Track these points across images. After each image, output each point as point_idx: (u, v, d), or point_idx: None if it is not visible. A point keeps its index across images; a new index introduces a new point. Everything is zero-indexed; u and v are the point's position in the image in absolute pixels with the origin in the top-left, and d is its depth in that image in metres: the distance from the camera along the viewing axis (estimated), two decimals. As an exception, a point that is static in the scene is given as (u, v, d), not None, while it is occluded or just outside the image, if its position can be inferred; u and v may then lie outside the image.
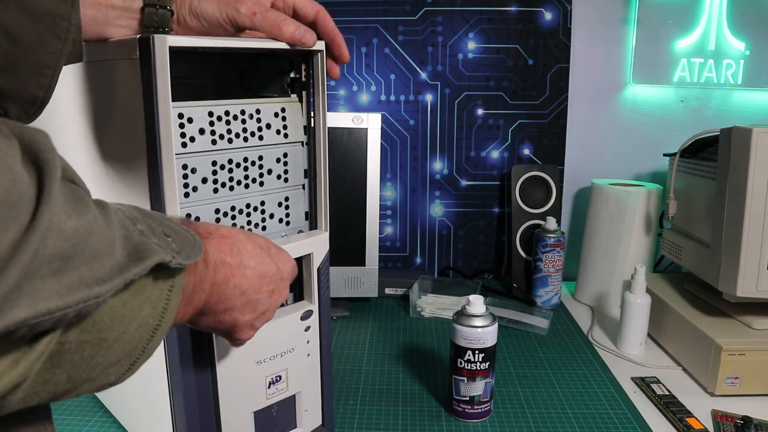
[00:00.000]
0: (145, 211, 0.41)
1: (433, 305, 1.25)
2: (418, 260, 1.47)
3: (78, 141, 0.68)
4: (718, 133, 0.99)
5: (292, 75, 0.72)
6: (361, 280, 1.24)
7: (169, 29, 0.60)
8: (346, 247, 1.22)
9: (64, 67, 0.41)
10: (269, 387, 0.71)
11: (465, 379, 0.86)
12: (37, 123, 0.41)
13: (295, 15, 0.66)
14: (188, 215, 0.63)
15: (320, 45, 0.66)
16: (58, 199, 0.31)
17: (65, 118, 0.70)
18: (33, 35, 0.38)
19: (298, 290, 0.74)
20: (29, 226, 0.29)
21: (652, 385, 0.97)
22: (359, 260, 1.23)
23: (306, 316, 0.72)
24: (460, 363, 0.86)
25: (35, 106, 0.42)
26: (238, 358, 0.67)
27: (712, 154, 1.03)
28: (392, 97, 1.39)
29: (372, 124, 1.20)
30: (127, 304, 0.38)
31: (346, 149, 1.20)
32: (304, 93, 0.71)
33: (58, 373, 0.36)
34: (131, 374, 0.41)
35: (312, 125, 0.71)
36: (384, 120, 1.39)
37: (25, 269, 0.29)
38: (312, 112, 0.70)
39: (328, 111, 1.32)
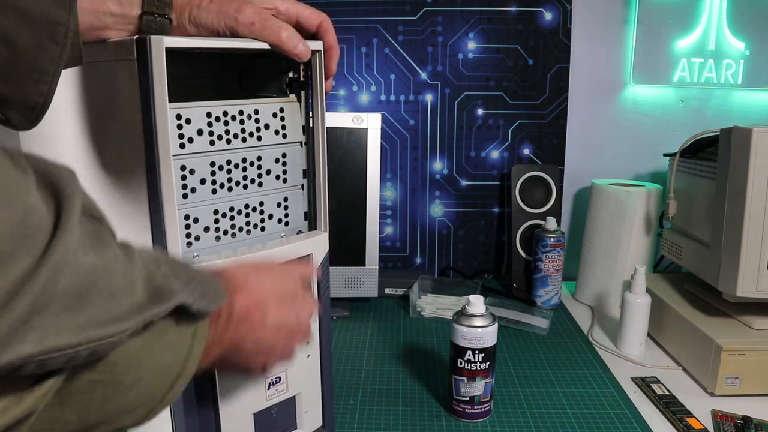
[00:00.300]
0: (172, 257, 0.41)
1: (433, 305, 1.25)
2: (418, 260, 1.46)
3: (75, 144, 0.68)
4: (718, 133, 0.99)
5: (290, 75, 0.71)
6: (361, 280, 1.24)
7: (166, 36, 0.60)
8: (346, 247, 1.22)
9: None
10: (269, 388, 0.70)
11: (465, 379, 0.86)
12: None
13: (298, 24, 0.65)
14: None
15: (318, 45, 0.66)
16: (75, 234, 0.31)
17: (62, 121, 0.69)
18: (32, 42, 0.38)
19: None
20: (40, 260, 0.29)
21: (652, 385, 0.96)
22: (359, 260, 1.23)
23: None
24: (460, 363, 0.85)
25: (35, 112, 0.42)
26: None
27: (712, 154, 1.02)
28: (392, 97, 1.38)
29: (372, 124, 1.20)
30: (145, 347, 0.37)
31: (346, 149, 1.20)
32: (302, 93, 0.70)
33: (67, 412, 0.35)
34: (148, 421, 0.40)
35: (311, 125, 0.70)
36: (384, 120, 1.38)
37: (34, 303, 0.28)
38: (311, 113, 0.70)
39: (328, 111, 1.33)
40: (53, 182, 0.31)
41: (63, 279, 0.30)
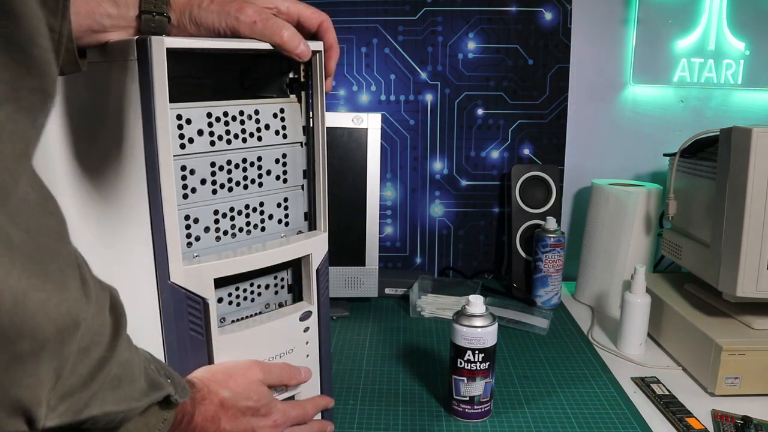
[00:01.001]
0: (151, 355, 0.52)
1: (433, 305, 1.24)
2: (418, 260, 1.46)
3: (64, 143, 0.68)
4: (718, 133, 0.98)
5: (290, 75, 0.71)
6: (361, 280, 1.23)
7: (166, 35, 0.60)
8: (346, 247, 1.22)
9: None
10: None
11: (465, 379, 0.85)
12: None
13: (299, 24, 0.65)
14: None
15: (318, 45, 0.66)
16: (125, 338, 0.45)
17: (52, 123, 0.69)
18: None
19: (297, 291, 0.74)
20: (107, 354, 0.42)
21: (652, 385, 0.96)
22: (359, 260, 1.23)
23: (305, 317, 0.72)
24: (460, 363, 0.85)
25: None
26: (237, 360, 0.66)
27: (712, 154, 1.02)
28: (392, 97, 1.38)
29: (372, 124, 1.20)
30: (136, 422, 0.48)
31: (346, 149, 1.20)
32: (302, 93, 0.70)
33: None
34: None
35: (311, 126, 0.70)
36: (384, 120, 1.38)
37: (102, 381, 0.41)
38: (311, 113, 0.70)
39: (328, 111, 1.33)
40: (113, 301, 0.44)
41: (115, 368, 0.43)
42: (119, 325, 0.44)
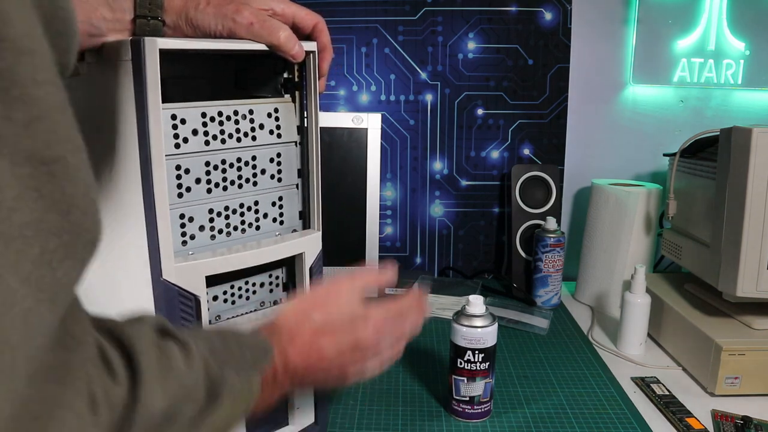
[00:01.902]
0: (225, 332, 0.49)
1: (433, 305, 1.24)
2: (418, 260, 1.46)
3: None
4: (718, 133, 0.97)
5: (285, 75, 0.71)
6: (362, 280, 1.23)
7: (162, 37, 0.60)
8: (346, 247, 1.21)
9: None
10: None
11: (465, 379, 0.85)
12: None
13: (294, 25, 0.65)
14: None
15: (312, 46, 0.66)
16: (149, 383, 0.38)
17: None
18: None
19: (292, 289, 0.74)
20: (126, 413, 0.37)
21: (652, 385, 0.95)
22: (359, 260, 1.22)
23: None
24: (460, 363, 0.84)
25: None
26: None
27: (712, 154, 1.01)
28: (392, 97, 1.38)
29: (372, 124, 1.19)
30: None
31: (346, 149, 1.19)
32: (297, 93, 0.70)
33: None
34: None
35: (305, 125, 0.70)
36: (384, 120, 1.37)
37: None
38: (305, 113, 0.69)
39: (328, 111, 1.32)
40: (122, 342, 0.39)
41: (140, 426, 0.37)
42: (138, 368, 0.38)
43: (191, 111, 0.61)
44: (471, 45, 1.36)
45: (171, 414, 0.40)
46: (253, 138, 0.66)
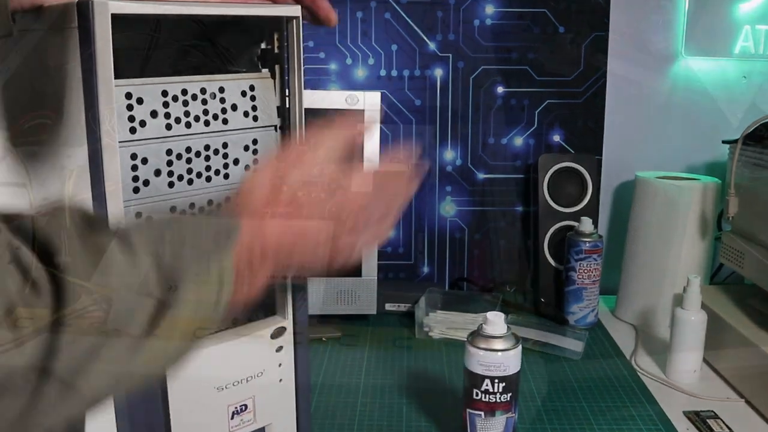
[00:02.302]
0: (178, 219, 0.52)
1: (443, 324, 1.24)
2: (425, 270, 1.46)
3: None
4: (788, 114, 0.98)
5: (263, 46, 0.72)
6: (357, 294, 1.24)
7: None
8: (338, 254, 1.22)
9: None
10: (232, 418, 0.71)
11: (482, 413, 0.85)
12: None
13: None
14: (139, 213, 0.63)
15: (296, 11, 0.66)
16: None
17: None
18: None
19: (269, 304, 0.74)
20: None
21: (708, 420, 0.96)
22: (354, 270, 1.23)
23: (277, 333, 0.72)
24: (476, 394, 0.85)
25: None
26: (194, 384, 0.67)
27: (781, 140, 1.02)
28: (394, 73, 1.38)
29: (369, 104, 1.20)
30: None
31: (338, 136, 1.20)
32: (277, 67, 0.71)
33: None
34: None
35: (287, 106, 0.70)
36: (384, 99, 1.38)
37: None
38: (287, 90, 0.70)
39: (315, 89, 1.33)
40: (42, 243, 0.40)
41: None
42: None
43: (150, 88, 0.61)
44: (489, 9, 1.36)
45: (118, 317, 0.42)
46: (224, 121, 0.66)
